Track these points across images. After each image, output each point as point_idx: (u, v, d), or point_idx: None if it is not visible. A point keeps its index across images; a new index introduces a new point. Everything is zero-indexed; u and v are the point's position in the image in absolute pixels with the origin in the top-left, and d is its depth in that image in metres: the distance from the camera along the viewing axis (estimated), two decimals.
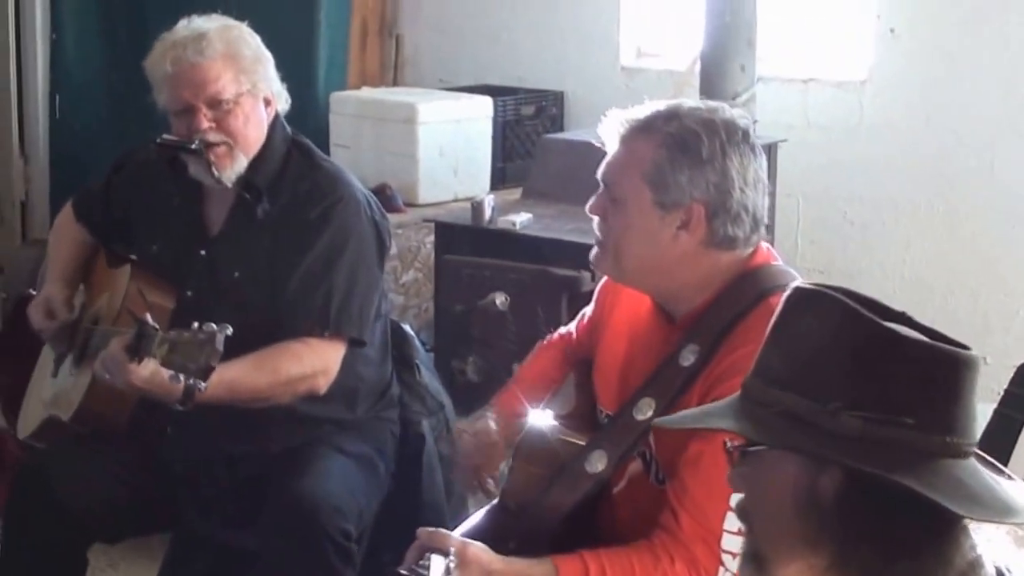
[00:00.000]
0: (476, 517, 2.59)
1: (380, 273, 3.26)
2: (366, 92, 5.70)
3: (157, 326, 2.78)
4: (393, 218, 4.64)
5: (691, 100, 2.54)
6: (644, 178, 2.41)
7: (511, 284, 4.14)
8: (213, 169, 3.10)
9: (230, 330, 2.71)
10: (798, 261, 5.12)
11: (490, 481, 2.74)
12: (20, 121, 7.02)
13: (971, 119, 4.95)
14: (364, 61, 6.26)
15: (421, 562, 2.34)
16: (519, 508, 2.51)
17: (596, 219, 2.52)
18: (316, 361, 3.08)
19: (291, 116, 3.30)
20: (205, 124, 3.08)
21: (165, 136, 3.16)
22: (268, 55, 3.20)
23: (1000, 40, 4.89)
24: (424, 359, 3.51)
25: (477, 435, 2.74)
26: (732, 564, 2.31)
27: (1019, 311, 4.92)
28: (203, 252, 3.20)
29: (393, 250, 4.71)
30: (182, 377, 2.73)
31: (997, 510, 1.54)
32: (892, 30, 5.11)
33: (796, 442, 1.55)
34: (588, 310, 2.82)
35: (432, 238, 4.61)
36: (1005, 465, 1.66)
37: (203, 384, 2.74)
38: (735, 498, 2.23)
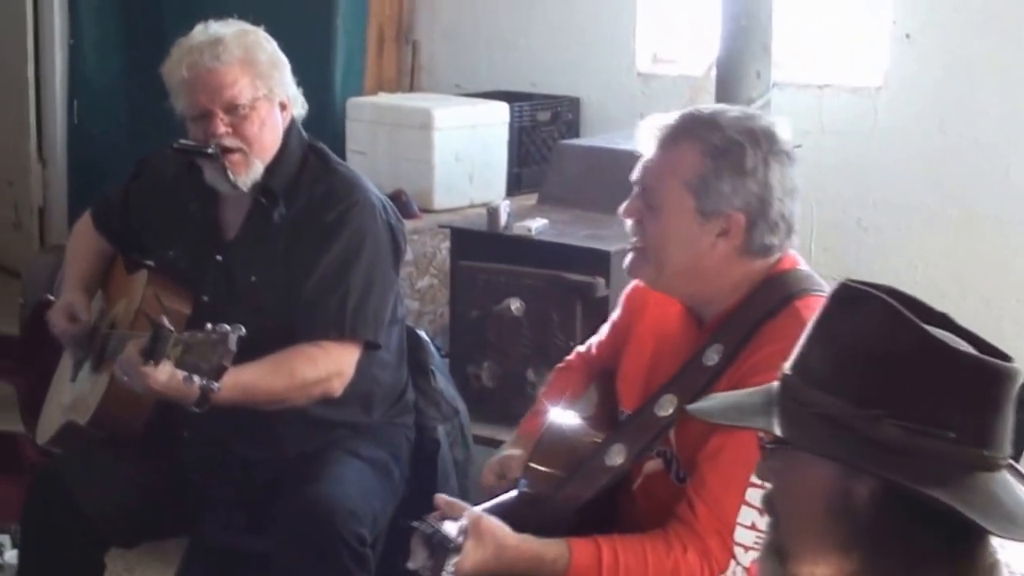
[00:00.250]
0: (494, 503, 2.58)
1: (395, 276, 3.27)
2: (382, 98, 5.71)
3: (172, 328, 2.79)
4: (409, 224, 4.65)
5: (729, 107, 2.55)
6: (686, 186, 2.42)
7: (526, 290, 4.15)
8: (229, 174, 3.11)
9: (243, 331, 2.72)
10: (811, 266, 5.11)
11: None
12: (38, 127, 7.04)
13: (986, 124, 4.94)
14: (381, 67, 6.28)
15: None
16: (537, 499, 2.52)
17: (629, 222, 2.52)
18: (331, 364, 3.09)
19: (308, 122, 3.31)
20: (222, 129, 3.09)
21: (182, 141, 3.17)
22: (284, 60, 3.21)
23: (1015, 45, 4.88)
24: (439, 365, 3.51)
25: (503, 466, 2.72)
26: (744, 557, 2.33)
27: None
28: (219, 257, 3.21)
29: (409, 256, 4.73)
30: (196, 378, 2.74)
31: None
32: (907, 35, 5.11)
33: (834, 450, 1.54)
34: (612, 319, 2.83)
35: (448, 244, 4.61)
36: None
37: (216, 384, 2.75)
38: (752, 493, 2.26)
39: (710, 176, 2.41)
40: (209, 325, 2.76)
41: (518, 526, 2.44)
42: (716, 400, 1.73)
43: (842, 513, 1.55)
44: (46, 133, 7.05)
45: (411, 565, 2.38)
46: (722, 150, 2.41)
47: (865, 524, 1.54)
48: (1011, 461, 1.59)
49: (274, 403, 3.06)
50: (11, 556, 3.68)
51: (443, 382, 3.46)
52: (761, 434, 1.66)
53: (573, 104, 5.77)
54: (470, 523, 2.36)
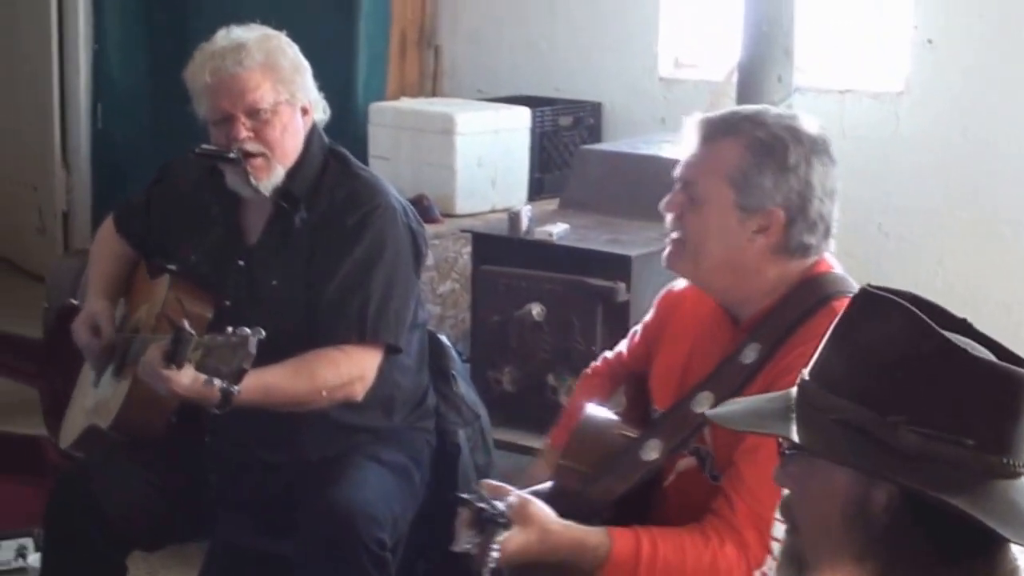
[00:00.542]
0: (535, 488, 2.59)
1: (416, 280, 3.27)
2: (405, 103, 5.72)
3: (193, 332, 2.81)
4: (430, 228, 4.65)
5: (772, 107, 2.57)
6: (728, 180, 2.44)
7: (547, 295, 4.15)
8: (251, 179, 3.12)
9: (263, 334, 2.73)
10: None
11: None
12: (62, 131, 7.07)
13: (1008, 130, 4.93)
14: (403, 72, 6.29)
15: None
16: (571, 491, 2.52)
17: (669, 217, 2.53)
18: (353, 367, 3.09)
19: (330, 126, 3.32)
20: (244, 133, 3.11)
21: (203, 145, 3.18)
22: (306, 65, 3.22)
23: None
24: (460, 369, 3.51)
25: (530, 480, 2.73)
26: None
27: None
28: (241, 262, 3.22)
29: (430, 260, 4.74)
30: (217, 381, 2.75)
31: None
32: (929, 41, 5.10)
33: (851, 456, 1.53)
34: (642, 325, 2.83)
35: (469, 249, 4.61)
36: None
37: (237, 387, 2.76)
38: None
39: (752, 171, 2.43)
40: (230, 328, 2.77)
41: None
42: (736, 405, 1.73)
43: (859, 520, 1.54)
44: (70, 138, 7.07)
45: (455, 547, 2.37)
46: (765, 145, 2.43)
47: (882, 532, 1.53)
48: None
49: (295, 406, 3.07)
50: (34, 559, 3.69)
51: (464, 387, 3.47)
52: (780, 439, 1.66)
53: (595, 109, 5.77)
54: (517, 505, 2.36)
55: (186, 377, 2.84)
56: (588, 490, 2.51)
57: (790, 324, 2.43)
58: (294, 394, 3.04)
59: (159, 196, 3.42)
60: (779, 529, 2.30)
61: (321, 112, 3.26)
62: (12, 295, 6.55)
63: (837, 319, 1.63)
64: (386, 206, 3.18)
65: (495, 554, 2.30)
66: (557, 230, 4.30)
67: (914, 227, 5.12)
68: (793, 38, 4.77)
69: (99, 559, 3.17)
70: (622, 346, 2.89)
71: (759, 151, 2.43)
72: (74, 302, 3.63)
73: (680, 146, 2.57)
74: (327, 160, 3.24)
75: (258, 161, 3.12)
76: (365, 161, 5.09)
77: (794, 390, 1.64)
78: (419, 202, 4.89)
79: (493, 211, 5.14)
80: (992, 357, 1.55)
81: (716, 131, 2.48)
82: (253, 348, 2.73)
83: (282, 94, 3.14)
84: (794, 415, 1.60)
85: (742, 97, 4.81)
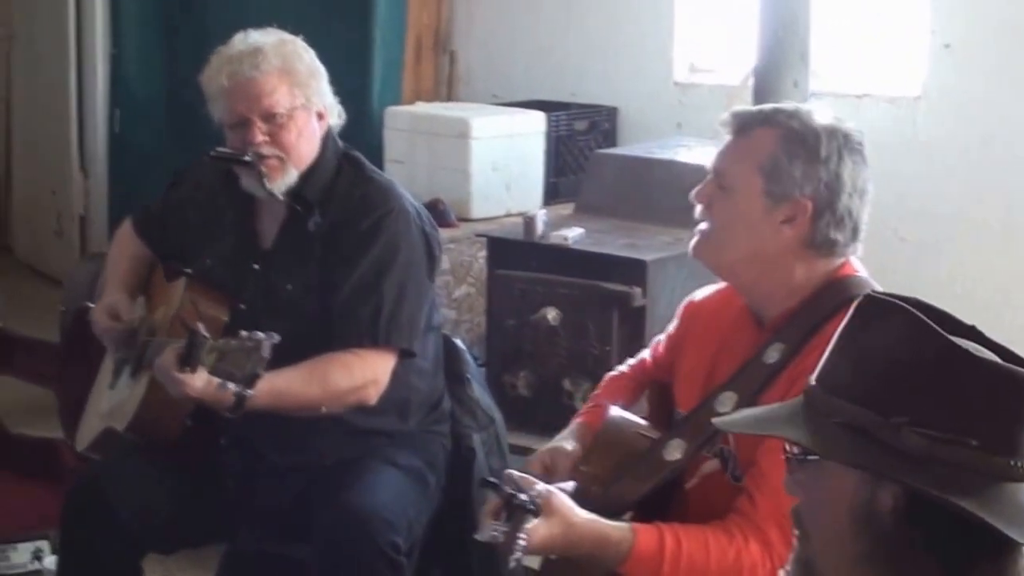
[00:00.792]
0: (557, 485, 2.59)
1: (430, 284, 3.27)
2: (420, 107, 5.72)
3: (207, 335, 2.81)
4: (445, 233, 4.66)
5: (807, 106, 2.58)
6: (758, 168, 2.45)
7: (563, 299, 4.15)
8: (265, 181, 3.13)
9: (277, 338, 2.74)
10: None
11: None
12: (80, 136, 7.10)
13: None
14: (418, 77, 6.30)
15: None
16: (593, 494, 2.52)
17: (699, 208, 2.54)
18: (366, 371, 3.09)
19: (346, 131, 3.32)
20: (259, 137, 3.11)
21: (219, 149, 3.19)
22: (322, 69, 3.23)
23: None
24: (475, 373, 3.51)
25: (552, 457, 2.72)
26: None
27: None
28: (256, 266, 3.23)
29: (446, 265, 4.74)
30: (231, 385, 2.76)
31: None
32: (947, 45, 5.09)
33: (856, 457, 1.53)
34: (665, 335, 2.83)
35: (484, 253, 4.62)
36: None
37: (250, 391, 2.77)
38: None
39: (782, 159, 2.44)
40: (244, 332, 2.78)
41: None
42: (742, 414, 1.74)
43: (866, 524, 1.54)
44: (88, 142, 7.10)
45: (480, 536, 2.36)
46: (798, 135, 2.44)
47: (889, 535, 1.53)
48: None
49: (308, 410, 3.08)
50: (50, 562, 3.70)
51: (479, 391, 3.47)
52: (787, 447, 1.66)
53: (610, 113, 5.77)
54: (542, 496, 2.36)
55: (199, 380, 2.84)
56: (610, 490, 2.51)
57: (813, 325, 2.43)
58: (306, 398, 3.05)
59: (175, 200, 3.43)
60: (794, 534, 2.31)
61: (336, 117, 3.27)
62: (30, 298, 6.57)
63: (842, 324, 1.63)
64: (399, 210, 3.18)
65: (522, 543, 2.29)
66: (572, 234, 4.30)
67: (932, 232, 5.11)
68: (809, 43, 4.76)
69: (115, 561, 3.18)
70: (645, 354, 2.90)
71: (792, 140, 2.44)
72: (91, 305, 3.64)
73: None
74: (341, 164, 3.24)
75: (273, 162, 3.13)
76: (381, 165, 5.10)
77: (801, 398, 1.65)
78: (434, 206, 4.89)
79: (508, 215, 5.14)
80: (997, 359, 1.54)
81: (751, 122, 2.49)
82: (267, 353, 2.74)
83: (298, 98, 3.15)
84: (800, 419, 1.60)
85: (758, 102, 4.79)
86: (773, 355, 2.44)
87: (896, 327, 1.55)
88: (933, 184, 5.09)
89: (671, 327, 2.81)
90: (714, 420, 1.75)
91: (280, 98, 3.13)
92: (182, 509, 3.21)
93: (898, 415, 1.52)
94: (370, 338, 3.10)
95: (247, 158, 3.13)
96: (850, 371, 1.58)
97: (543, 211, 4.55)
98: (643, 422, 2.67)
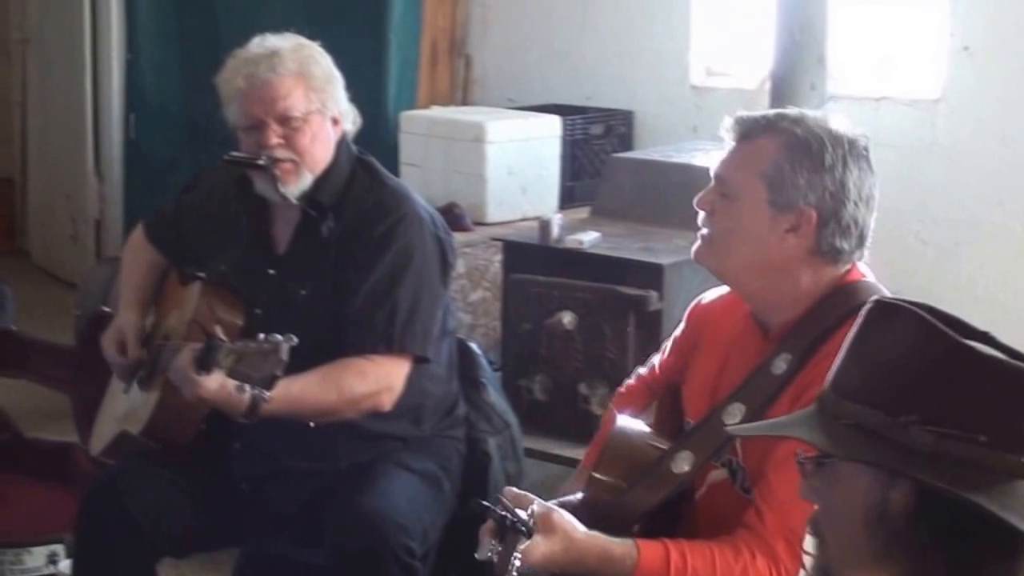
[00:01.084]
0: (561, 501, 2.56)
1: (444, 290, 3.26)
2: (435, 111, 5.72)
3: (224, 339, 2.81)
4: (461, 237, 4.66)
5: (812, 111, 2.55)
6: (762, 176, 2.41)
7: (578, 303, 4.14)
8: (278, 185, 3.12)
9: (295, 340, 2.73)
10: None
11: None
12: (95, 141, 7.12)
13: None
14: (434, 81, 6.30)
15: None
16: (601, 505, 2.50)
17: (702, 214, 2.51)
18: (381, 378, 3.09)
19: (361, 134, 3.32)
20: (274, 140, 3.11)
21: (233, 153, 3.19)
22: (338, 75, 3.22)
23: None
24: (490, 377, 3.50)
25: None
26: None
27: None
28: (271, 271, 3.22)
29: (461, 269, 4.73)
30: (247, 387, 2.75)
31: None
32: (966, 48, 5.07)
33: (867, 455, 1.54)
34: (672, 339, 2.81)
35: (500, 257, 4.61)
36: None
37: (268, 394, 2.76)
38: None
39: (786, 168, 2.40)
40: (261, 335, 2.77)
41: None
42: (757, 423, 1.75)
43: (879, 524, 1.55)
44: (103, 147, 7.12)
45: (478, 554, 2.36)
46: (803, 143, 2.40)
47: (902, 534, 1.53)
48: None
49: (321, 416, 3.07)
50: (65, 566, 3.69)
51: (494, 395, 3.45)
52: (798, 453, 1.67)
53: (626, 117, 5.76)
54: (540, 515, 2.34)
55: (214, 383, 2.84)
56: (618, 502, 2.49)
57: (820, 334, 2.40)
58: (321, 404, 3.04)
59: (189, 205, 3.43)
60: (811, 542, 2.29)
61: (350, 123, 3.26)
62: (45, 302, 6.58)
63: (853, 329, 1.64)
64: (412, 216, 3.17)
65: (516, 563, 2.28)
66: (588, 238, 4.29)
67: (952, 235, 5.09)
68: (826, 46, 4.75)
69: (129, 565, 3.17)
70: (654, 360, 2.88)
71: (796, 149, 2.41)
72: (106, 309, 3.64)
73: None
74: (355, 169, 3.24)
75: (287, 165, 3.12)
76: (396, 169, 5.10)
77: (814, 405, 1.66)
78: (450, 210, 4.88)
79: (524, 219, 5.13)
80: (1003, 357, 1.54)
81: (754, 129, 2.46)
82: (285, 355, 2.73)
83: (314, 103, 3.14)
84: (813, 423, 1.62)
85: (775, 105, 4.78)
86: (780, 365, 2.41)
87: (903, 329, 1.56)
88: (953, 187, 5.07)
89: (678, 331, 2.79)
90: (728, 428, 1.74)
91: (296, 101, 3.12)
92: (196, 513, 3.20)
93: (907, 414, 1.52)
94: (385, 344, 3.09)
95: (261, 162, 3.12)
96: (860, 374, 1.59)
97: (559, 215, 4.54)
98: (648, 430, 2.64)
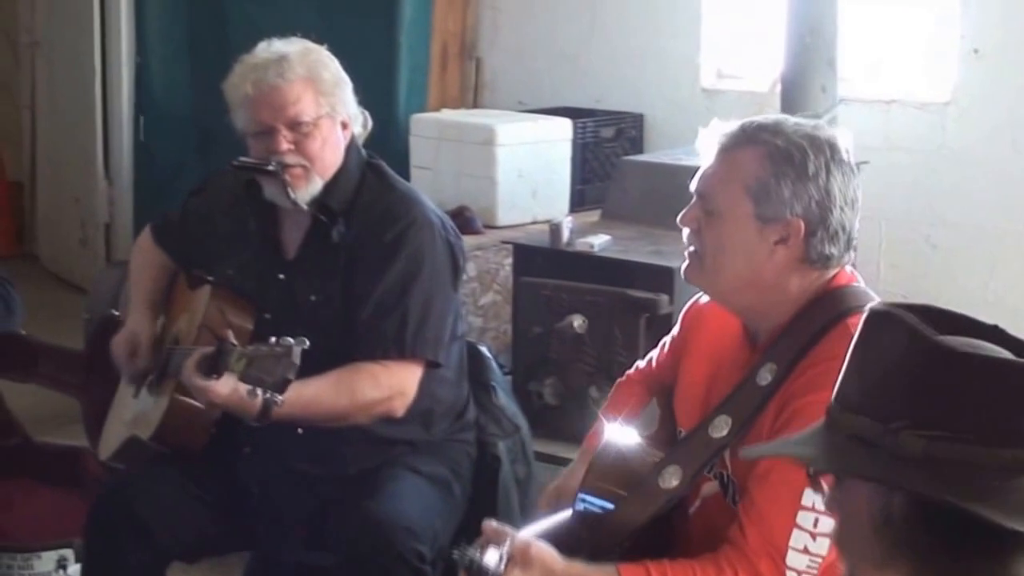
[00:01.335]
0: (547, 524, 2.55)
1: (455, 294, 3.26)
2: (446, 114, 5.72)
3: (235, 342, 2.80)
4: (472, 240, 4.65)
5: (791, 116, 2.52)
6: (746, 190, 2.38)
7: (589, 306, 4.13)
8: (288, 190, 3.11)
9: (307, 343, 2.72)
10: (880, 285, 5.07)
11: None
12: (105, 144, 7.12)
13: None
14: (444, 84, 6.29)
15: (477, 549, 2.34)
16: (591, 522, 2.48)
17: (687, 231, 2.49)
18: (394, 383, 3.08)
19: (371, 138, 3.31)
20: (284, 146, 3.10)
21: (241, 158, 3.18)
22: (347, 79, 3.21)
23: None
24: (500, 381, 3.49)
25: (560, 492, 2.69)
26: None
27: None
28: (281, 276, 3.21)
29: (472, 272, 4.73)
30: (259, 391, 2.74)
31: None
32: (976, 51, 5.07)
33: (855, 466, 1.55)
34: (670, 337, 2.80)
35: (511, 260, 4.61)
36: None
37: (280, 398, 2.75)
38: (804, 516, 2.22)
39: (770, 180, 2.37)
40: (273, 338, 2.76)
41: (571, 550, 2.41)
42: (763, 445, 1.76)
43: (884, 529, 1.55)
44: (112, 150, 7.12)
45: None
46: (784, 153, 2.37)
47: (905, 540, 1.53)
48: None
49: (334, 420, 3.06)
50: (74, 570, 3.69)
51: (504, 398, 3.45)
52: (808, 468, 1.68)
53: (637, 120, 5.76)
54: (518, 550, 2.32)
55: (225, 387, 2.83)
56: (608, 519, 2.46)
57: (803, 344, 2.37)
58: (333, 409, 3.03)
59: (197, 209, 3.42)
60: (794, 558, 2.27)
61: (360, 127, 3.25)
62: (54, 306, 6.58)
63: (853, 340, 1.63)
64: (422, 221, 3.16)
65: None
66: (598, 241, 4.28)
67: (963, 239, 5.08)
68: (836, 48, 4.74)
69: (139, 570, 3.16)
70: (654, 354, 2.86)
71: (778, 160, 2.37)
72: (115, 313, 3.63)
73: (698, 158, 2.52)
74: (364, 174, 3.23)
75: (297, 171, 3.11)
76: (406, 172, 5.09)
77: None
78: (460, 213, 4.88)
79: (534, 222, 5.13)
80: (982, 353, 1.53)
81: (733, 142, 2.41)
82: (297, 358, 2.72)
83: (323, 107, 3.13)
84: (819, 438, 1.62)
85: (786, 108, 4.78)
86: (766, 376, 2.38)
87: (891, 335, 1.56)
88: (963, 190, 5.07)
89: (674, 331, 2.77)
90: (740, 453, 1.73)
91: (306, 107, 3.11)
92: (206, 518, 3.20)
93: (896, 420, 1.52)
94: (397, 349, 3.09)
95: (270, 167, 3.11)
96: (858, 384, 1.59)
97: (569, 218, 4.53)
98: (639, 443, 2.61)
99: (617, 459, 2.53)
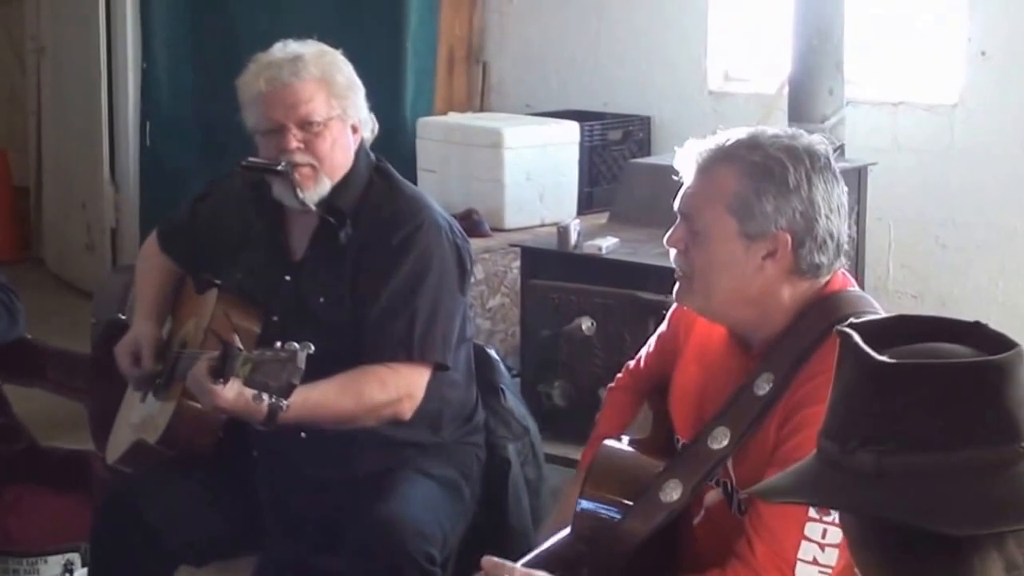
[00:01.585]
0: (549, 544, 2.55)
1: (462, 297, 3.25)
2: (452, 117, 5.72)
3: (241, 347, 2.79)
4: (479, 243, 4.64)
5: (769, 127, 2.50)
6: (728, 209, 2.36)
7: (597, 309, 4.13)
8: (297, 190, 3.10)
9: (312, 348, 2.71)
10: (890, 285, 5.07)
11: None
12: (111, 149, 7.13)
13: None
14: (451, 87, 6.30)
15: None
16: (592, 536, 2.46)
17: (674, 252, 2.47)
18: (401, 386, 3.07)
19: (378, 141, 3.30)
20: (294, 144, 3.09)
21: (250, 159, 3.17)
22: (359, 83, 3.21)
23: None
24: (509, 383, 3.48)
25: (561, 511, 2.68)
26: None
27: None
28: (288, 278, 3.20)
29: (480, 275, 4.72)
30: (265, 396, 2.74)
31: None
32: (983, 52, 5.07)
33: (823, 492, 1.58)
34: (658, 334, 2.78)
35: (518, 263, 4.60)
36: None
37: (285, 402, 2.75)
38: (812, 528, 2.21)
39: (751, 197, 2.35)
40: (278, 343, 2.75)
41: (573, 567, 2.40)
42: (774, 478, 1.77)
43: (866, 546, 1.58)
44: (118, 155, 7.12)
45: None
46: (762, 168, 2.35)
47: (885, 553, 1.56)
48: None
49: (340, 424, 3.05)
50: (81, 574, 3.68)
51: (513, 401, 3.44)
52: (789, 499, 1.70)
53: (644, 123, 5.75)
54: None
55: (231, 392, 2.82)
56: (611, 533, 2.44)
57: (801, 353, 2.35)
58: (340, 412, 3.03)
59: (204, 213, 3.41)
60: (803, 570, 2.25)
61: (369, 131, 3.25)
62: (60, 310, 6.58)
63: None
64: (430, 223, 3.16)
65: None
66: (606, 244, 4.28)
67: (972, 239, 5.08)
68: (843, 51, 4.74)
69: (146, 574, 3.16)
70: (642, 353, 2.84)
71: (757, 176, 2.35)
72: (122, 318, 3.63)
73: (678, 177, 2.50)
74: (372, 177, 3.22)
75: (306, 170, 3.10)
76: (413, 175, 5.09)
77: None
78: (468, 216, 4.87)
79: (542, 225, 5.14)
80: (913, 361, 1.54)
81: (710, 160, 2.40)
82: (302, 363, 2.71)
83: (335, 109, 3.13)
84: (809, 466, 1.63)
85: (793, 110, 4.78)
86: (763, 386, 2.36)
87: (844, 356, 1.59)
88: (972, 191, 5.07)
89: (662, 328, 2.76)
90: (750, 492, 1.73)
91: (317, 106, 3.10)
92: (214, 521, 3.19)
93: (852, 440, 1.54)
94: (404, 352, 3.08)
95: (279, 167, 3.10)
96: (831, 409, 1.61)
97: (577, 221, 4.53)
98: (636, 453, 2.59)
99: (615, 470, 2.52)
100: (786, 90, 4.88)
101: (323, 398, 2.98)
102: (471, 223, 4.82)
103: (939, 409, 1.50)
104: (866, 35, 5.25)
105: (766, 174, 2.35)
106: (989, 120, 5.05)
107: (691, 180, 2.43)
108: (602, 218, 4.89)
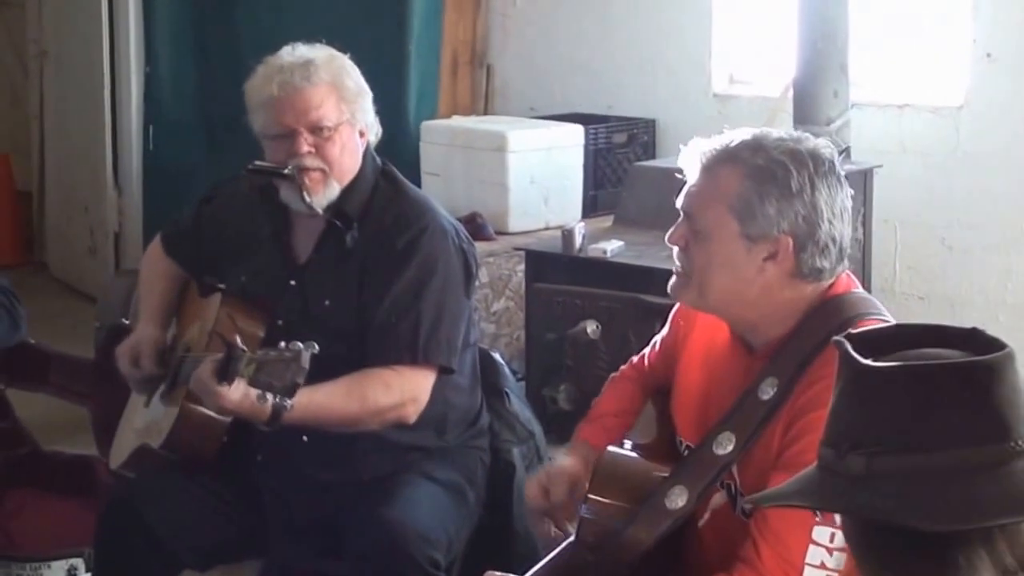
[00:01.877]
0: (554, 554, 2.53)
1: (467, 300, 3.24)
2: (456, 121, 5.72)
3: (245, 348, 2.78)
4: (484, 247, 4.64)
5: (774, 129, 2.49)
6: (730, 210, 2.36)
7: (602, 312, 4.12)
8: (305, 194, 3.09)
9: (316, 348, 2.71)
10: (896, 287, 5.06)
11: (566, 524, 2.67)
12: (114, 153, 7.12)
13: None
14: (455, 91, 6.29)
15: None
16: (597, 544, 2.45)
17: (675, 249, 2.46)
18: (406, 389, 3.06)
19: (382, 144, 3.30)
20: (305, 148, 3.08)
21: (257, 162, 3.16)
22: (368, 89, 3.21)
23: None
24: (513, 387, 3.48)
25: (550, 479, 2.67)
26: None
27: None
28: (293, 282, 3.20)
29: (484, 278, 4.71)
30: (269, 396, 2.73)
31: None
32: (988, 55, 5.06)
33: (820, 497, 1.59)
34: (661, 336, 2.77)
35: (523, 266, 4.60)
36: None
37: (289, 402, 2.74)
38: (819, 531, 2.20)
39: (754, 199, 2.34)
40: (282, 343, 2.75)
41: (578, 574, 2.39)
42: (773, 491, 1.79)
43: (867, 549, 1.59)
44: (121, 159, 7.12)
45: None
46: (766, 172, 2.34)
47: (876, 554, 1.58)
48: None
49: (344, 426, 3.05)
50: None
51: (518, 404, 3.43)
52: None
53: (649, 126, 5.75)
54: None
55: (236, 393, 2.82)
56: (616, 540, 2.42)
57: (805, 356, 2.34)
58: (344, 414, 3.02)
59: (209, 216, 3.40)
60: (811, 574, 2.24)
61: (374, 136, 3.24)
62: (63, 315, 6.58)
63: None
64: (435, 227, 3.15)
65: None
66: (611, 247, 4.28)
67: (979, 240, 5.08)
68: (848, 53, 4.74)
69: None
70: (645, 351, 2.83)
71: (760, 178, 2.34)
72: (125, 322, 3.62)
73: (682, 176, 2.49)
74: (378, 181, 3.22)
75: (316, 175, 3.10)
76: (418, 178, 5.08)
77: None
78: (472, 220, 4.87)
79: (547, 228, 5.14)
80: (897, 363, 1.56)
81: (714, 160, 2.39)
82: (306, 363, 2.70)
83: (344, 114, 3.13)
84: (811, 474, 1.65)
85: (798, 113, 4.78)
86: (768, 391, 2.35)
87: (840, 364, 1.61)
88: (979, 192, 5.06)
89: (664, 331, 2.75)
90: (746, 499, 1.73)
91: (328, 111, 3.10)
92: (218, 525, 3.19)
93: (844, 444, 1.56)
94: (409, 355, 3.07)
95: (287, 171, 3.09)
96: (827, 418, 1.63)
97: (582, 224, 4.53)
98: (640, 458, 2.58)
99: (619, 475, 2.51)
100: (791, 93, 4.87)
101: (327, 399, 2.97)
102: (475, 227, 4.81)
103: (926, 411, 1.52)
104: (871, 37, 5.24)
105: (769, 177, 2.34)
106: (995, 122, 5.05)
107: (694, 179, 2.43)
108: (607, 221, 4.89)
